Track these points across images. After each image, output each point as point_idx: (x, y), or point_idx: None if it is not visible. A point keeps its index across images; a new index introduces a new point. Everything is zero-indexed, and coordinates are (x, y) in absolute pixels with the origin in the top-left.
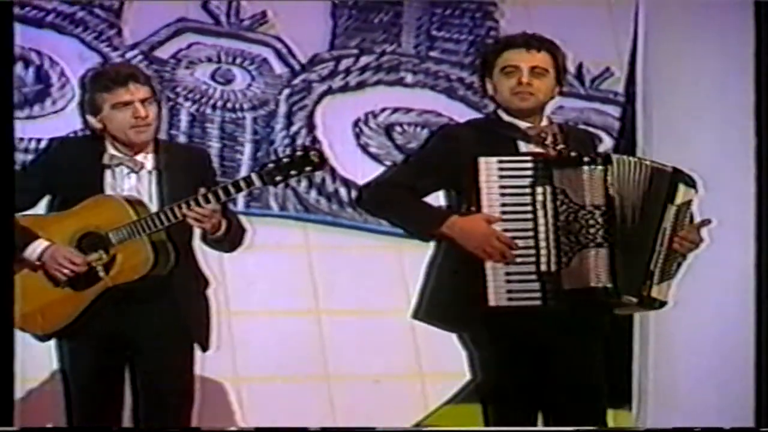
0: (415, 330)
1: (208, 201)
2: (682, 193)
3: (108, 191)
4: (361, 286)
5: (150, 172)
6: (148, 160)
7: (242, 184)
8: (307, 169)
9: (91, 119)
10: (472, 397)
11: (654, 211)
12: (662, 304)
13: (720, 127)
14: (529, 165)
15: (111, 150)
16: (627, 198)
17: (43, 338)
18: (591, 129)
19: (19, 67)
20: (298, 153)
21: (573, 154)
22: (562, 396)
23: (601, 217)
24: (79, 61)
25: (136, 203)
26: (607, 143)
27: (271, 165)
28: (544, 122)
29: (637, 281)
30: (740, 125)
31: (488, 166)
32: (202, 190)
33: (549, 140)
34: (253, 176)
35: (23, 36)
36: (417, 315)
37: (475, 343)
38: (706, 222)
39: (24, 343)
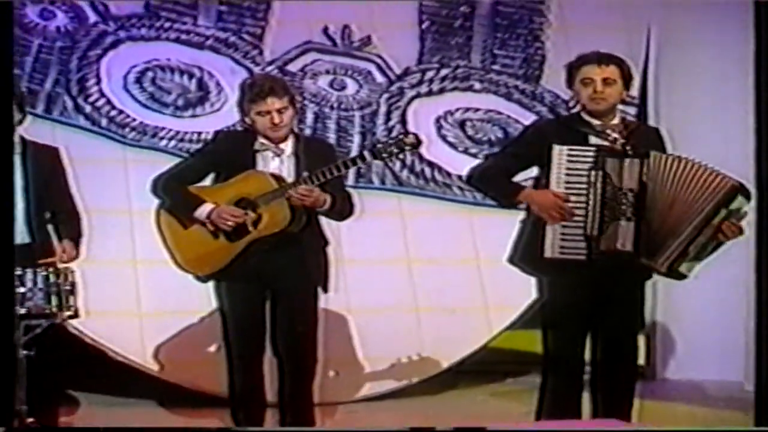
0: (482, 273)
1: (332, 174)
2: (738, 202)
3: (259, 167)
4: (440, 240)
5: (289, 156)
6: (287, 147)
7: (358, 159)
8: (406, 148)
9: (244, 118)
10: (527, 324)
11: (702, 206)
12: (684, 277)
13: (717, 122)
14: (591, 154)
15: (260, 140)
16: (661, 187)
17: (203, 279)
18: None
19: (185, 79)
20: (400, 136)
21: (626, 147)
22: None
23: (633, 197)
24: (231, 74)
25: (277, 177)
26: None
27: (380, 144)
28: (617, 120)
29: (659, 252)
30: (737, 121)
31: (560, 153)
32: (327, 167)
33: (612, 136)
34: (366, 153)
35: (189, 55)
36: (511, 260)
37: (541, 283)
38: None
39: (184, 284)
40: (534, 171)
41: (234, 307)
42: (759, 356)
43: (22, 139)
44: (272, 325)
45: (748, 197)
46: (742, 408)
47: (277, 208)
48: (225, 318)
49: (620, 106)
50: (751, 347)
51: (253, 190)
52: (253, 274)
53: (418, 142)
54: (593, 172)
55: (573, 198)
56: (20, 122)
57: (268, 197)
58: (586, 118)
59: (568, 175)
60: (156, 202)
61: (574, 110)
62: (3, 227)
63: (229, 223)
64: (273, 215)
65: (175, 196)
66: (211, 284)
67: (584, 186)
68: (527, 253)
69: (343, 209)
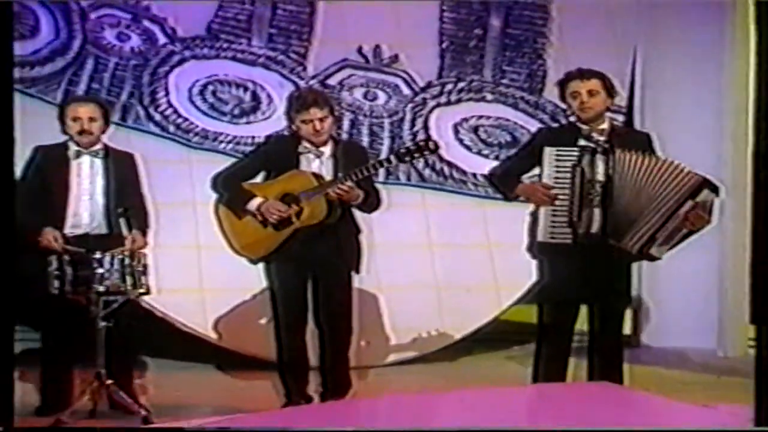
0: (492, 256)
1: (364, 174)
2: (704, 195)
3: (303, 167)
4: (457, 228)
5: (328, 158)
6: (327, 150)
7: (385, 162)
8: (426, 152)
9: (290, 125)
10: (531, 300)
11: (668, 197)
12: (656, 259)
13: (693, 126)
14: (575, 154)
15: (303, 143)
16: (626, 179)
17: (255, 261)
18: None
19: (240, 91)
20: (421, 142)
21: (598, 146)
22: (593, 298)
23: (600, 188)
24: (279, 87)
25: (318, 176)
26: None
27: (403, 149)
28: (605, 125)
29: (626, 235)
30: (710, 123)
31: (550, 154)
32: (364, 166)
33: (596, 138)
34: (392, 157)
35: (244, 71)
36: (528, 248)
37: (540, 269)
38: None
39: (239, 266)
40: (537, 170)
41: (281, 285)
42: (759, 356)
43: (105, 146)
44: (314, 301)
45: (714, 191)
46: (714, 371)
47: (317, 202)
48: (273, 295)
49: (610, 114)
50: (724, 319)
51: (297, 186)
52: (296, 258)
53: (436, 147)
54: (577, 168)
55: (561, 191)
56: (103, 132)
57: (309, 193)
58: (578, 124)
59: (557, 171)
60: (215, 196)
61: (571, 119)
62: (3, 228)
63: (275, 216)
64: (313, 209)
65: (230, 191)
66: (261, 266)
67: (568, 180)
68: (530, 241)
69: (372, 203)
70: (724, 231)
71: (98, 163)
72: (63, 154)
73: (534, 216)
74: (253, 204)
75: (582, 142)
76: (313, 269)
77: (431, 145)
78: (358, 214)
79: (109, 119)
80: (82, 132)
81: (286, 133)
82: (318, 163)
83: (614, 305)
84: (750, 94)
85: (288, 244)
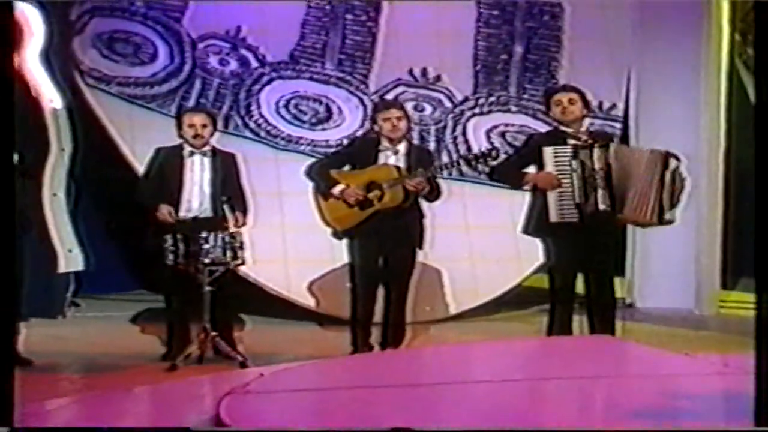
0: (516, 234)
1: (435, 172)
2: (673, 163)
3: (381, 161)
4: (488, 213)
5: (402, 156)
6: (401, 148)
7: (454, 164)
8: (489, 159)
9: (373, 126)
10: (546, 270)
11: (653, 175)
12: (671, 222)
13: (673, 130)
14: (569, 150)
15: (383, 143)
16: (621, 165)
17: (339, 236)
18: (608, 132)
19: (316, 105)
20: (485, 150)
21: (594, 142)
22: (593, 269)
23: (603, 173)
24: (347, 101)
25: (396, 168)
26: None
27: (471, 156)
28: (583, 128)
29: (626, 206)
30: (688, 130)
31: (548, 152)
32: (433, 165)
33: (582, 137)
34: (461, 161)
35: (319, 89)
36: (525, 231)
37: (548, 245)
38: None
39: (316, 242)
40: (531, 168)
41: (360, 255)
42: (759, 356)
43: (212, 147)
44: (384, 269)
45: (677, 159)
46: (692, 327)
47: (396, 190)
48: (353, 265)
49: (615, 123)
50: (699, 284)
51: (381, 177)
52: (374, 233)
53: (497, 155)
54: (573, 161)
55: (562, 179)
56: (212, 135)
57: (391, 183)
58: (562, 128)
59: (555, 165)
60: (298, 185)
61: (554, 125)
62: (3, 227)
63: (353, 199)
64: (393, 195)
65: (320, 178)
66: (334, 242)
67: (568, 171)
68: (537, 223)
69: (435, 195)
70: (699, 213)
71: (206, 160)
72: (179, 153)
73: (533, 203)
74: (336, 189)
75: (572, 142)
76: (386, 244)
77: (494, 153)
78: (425, 203)
79: (217, 126)
80: (196, 136)
81: (370, 135)
82: (394, 159)
83: (610, 272)
84: (721, 101)
85: (369, 222)
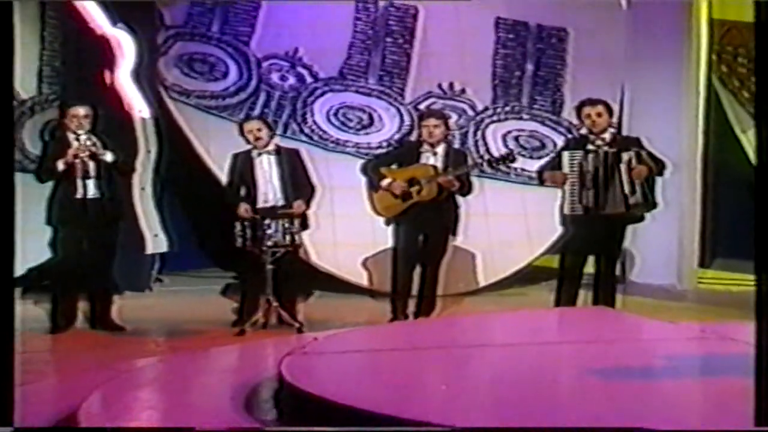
0: (528, 221)
1: (464, 171)
2: (625, 156)
3: (422, 161)
4: (504, 203)
5: (441, 156)
6: (440, 150)
7: (479, 167)
8: (508, 162)
9: (419, 130)
10: (554, 252)
11: (612, 170)
12: (638, 207)
13: (659, 131)
14: (579, 155)
15: (424, 145)
16: (606, 167)
17: (387, 223)
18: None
19: (360, 113)
20: (506, 154)
21: (605, 149)
22: (602, 252)
23: (592, 175)
24: (386, 111)
25: (433, 167)
26: None
27: (493, 159)
28: (607, 135)
29: (607, 205)
30: (672, 129)
31: (565, 155)
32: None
33: (597, 143)
34: (485, 163)
35: (363, 100)
36: (561, 223)
37: (564, 231)
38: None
39: (357, 228)
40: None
41: (402, 238)
42: (759, 357)
43: (276, 146)
44: (422, 251)
45: (636, 150)
46: (674, 300)
47: (432, 186)
48: (396, 247)
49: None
50: (681, 264)
51: (420, 174)
52: (414, 221)
53: (514, 159)
54: (584, 163)
55: (574, 179)
56: (271, 137)
57: (428, 179)
58: (589, 135)
59: (570, 167)
60: (345, 181)
61: (582, 131)
62: (3, 225)
63: (397, 191)
64: (429, 190)
65: (372, 174)
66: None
67: (576, 173)
68: (560, 214)
69: (465, 190)
70: (681, 204)
71: (272, 158)
72: (249, 155)
73: (561, 197)
74: (384, 182)
75: (589, 147)
76: (424, 230)
77: (511, 157)
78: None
79: (272, 128)
80: (257, 139)
81: (411, 139)
82: (433, 159)
83: (612, 254)
84: (700, 110)
85: (409, 211)
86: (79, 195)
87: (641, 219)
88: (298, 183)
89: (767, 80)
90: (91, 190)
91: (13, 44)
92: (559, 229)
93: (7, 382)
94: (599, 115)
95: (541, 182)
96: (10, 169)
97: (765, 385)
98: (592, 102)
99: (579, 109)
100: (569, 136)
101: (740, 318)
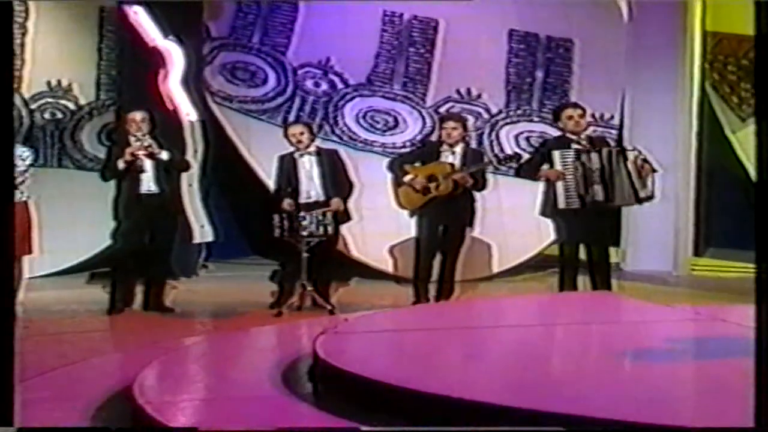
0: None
1: (477, 169)
2: (631, 155)
3: (441, 160)
4: (515, 197)
5: (459, 155)
6: (458, 149)
7: (488, 165)
8: (513, 161)
9: (439, 132)
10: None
11: (620, 167)
12: (650, 197)
13: (656, 132)
14: (572, 153)
15: (443, 144)
16: (611, 165)
17: (411, 215)
18: (608, 139)
19: (386, 116)
20: (512, 154)
21: (591, 147)
22: (593, 242)
23: (599, 171)
24: (409, 114)
25: (450, 165)
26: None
27: (501, 158)
28: (585, 134)
29: (615, 198)
30: (668, 131)
31: (557, 154)
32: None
33: (583, 143)
34: (494, 161)
35: (388, 104)
36: (542, 213)
37: (558, 224)
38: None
39: (383, 220)
40: (546, 165)
41: (424, 229)
42: (759, 358)
43: (317, 147)
44: (442, 241)
45: (632, 150)
46: (670, 285)
47: (449, 182)
48: (418, 237)
49: (612, 131)
50: (676, 251)
51: (439, 171)
52: (433, 214)
53: (519, 158)
54: (576, 162)
55: (568, 175)
56: (312, 140)
57: (445, 176)
58: (568, 135)
59: (563, 164)
60: (372, 178)
61: (559, 133)
62: (3, 225)
63: (418, 186)
64: (446, 185)
65: (396, 170)
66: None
67: (572, 170)
68: (551, 208)
69: (479, 186)
70: (676, 197)
71: (313, 159)
72: (293, 157)
73: (546, 193)
74: (407, 178)
75: (575, 146)
76: (443, 221)
77: (517, 157)
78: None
79: (313, 131)
80: (298, 141)
81: (432, 139)
82: (451, 158)
83: (607, 243)
84: (693, 114)
85: (429, 205)
86: (141, 191)
87: (619, 210)
88: (338, 181)
89: (767, 80)
90: (152, 186)
91: (13, 44)
92: None
93: (8, 382)
94: (581, 116)
95: (532, 178)
96: (11, 169)
97: (765, 385)
98: (575, 105)
99: (560, 111)
100: (548, 137)
101: (730, 301)
